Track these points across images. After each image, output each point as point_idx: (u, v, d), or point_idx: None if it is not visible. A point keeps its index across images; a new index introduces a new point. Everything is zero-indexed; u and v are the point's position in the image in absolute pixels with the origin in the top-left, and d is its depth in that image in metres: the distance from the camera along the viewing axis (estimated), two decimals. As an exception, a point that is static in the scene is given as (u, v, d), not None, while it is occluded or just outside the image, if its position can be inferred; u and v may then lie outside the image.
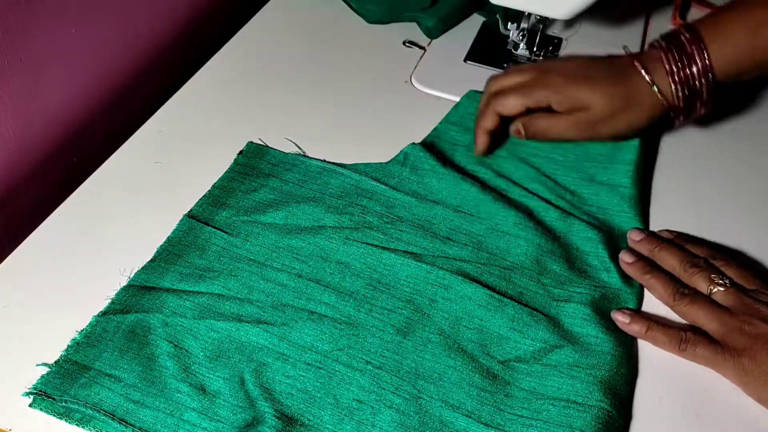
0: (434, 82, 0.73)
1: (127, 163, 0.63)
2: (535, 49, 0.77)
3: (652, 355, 0.52)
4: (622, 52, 0.63)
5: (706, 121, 0.69)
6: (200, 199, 0.59)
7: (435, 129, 0.68)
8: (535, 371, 0.49)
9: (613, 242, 0.58)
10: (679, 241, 0.57)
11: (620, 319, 0.52)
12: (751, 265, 0.58)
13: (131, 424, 0.45)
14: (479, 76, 0.74)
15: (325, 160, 0.64)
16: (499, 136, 0.65)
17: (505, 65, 0.76)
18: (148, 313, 0.51)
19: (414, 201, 0.60)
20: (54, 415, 0.46)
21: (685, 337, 0.51)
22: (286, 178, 0.62)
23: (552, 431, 0.46)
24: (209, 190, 0.60)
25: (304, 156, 0.64)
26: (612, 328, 0.52)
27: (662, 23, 0.84)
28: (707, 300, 0.52)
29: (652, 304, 0.55)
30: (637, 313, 0.53)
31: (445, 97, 0.72)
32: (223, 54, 0.75)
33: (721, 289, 0.52)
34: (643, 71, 0.60)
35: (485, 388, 0.48)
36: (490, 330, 0.52)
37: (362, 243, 0.56)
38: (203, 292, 0.53)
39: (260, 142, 0.65)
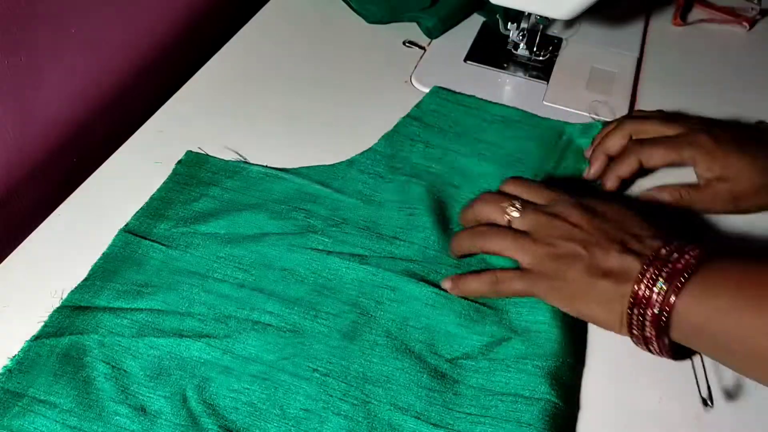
0: (434, 82, 0.73)
1: (127, 163, 0.63)
2: (535, 49, 0.77)
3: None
4: (623, 52, 0.62)
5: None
6: (137, 212, 0.57)
7: (396, 125, 0.67)
8: (482, 367, 0.49)
9: None
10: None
11: (446, 285, 0.53)
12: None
13: None
14: (479, 76, 0.74)
15: (267, 166, 0.62)
16: (463, 132, 0.66)
17: (505, 65, 0.76)
18: (83, 334, 0.49)
19: (359, 203, 0.59)
20: None
21: (496, 278, 0.52)
22: (227, 186, 0.60)
23: (500, 427, 0.46)
24: (147, 202, 0.58)
25: (246, 162, 0.63)
26: (560, 314, 0.52)
27: (662, 23, 0.84)
28: (504, 230, 0.52)
29: None
30: (457, 276, 0.53)
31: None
32: (223, 54, 0.75)
33: (515, 215, 0.53)
34: None
35: (434, 388, 0.48)
36: (437, 328, 0.51)
37: (306, 248, 0.55)
38: (141, 309, 0.51)
39: (200, 151, 0.63)
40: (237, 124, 0.67)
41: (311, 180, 0.61)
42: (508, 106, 0.70)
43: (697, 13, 0.86)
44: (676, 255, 0.46)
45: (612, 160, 0.62)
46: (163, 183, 0.60)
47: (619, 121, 0.64)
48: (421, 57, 0.77)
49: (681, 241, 0.48)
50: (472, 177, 0.62)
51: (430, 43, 0.79)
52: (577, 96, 0.72)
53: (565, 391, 0.48)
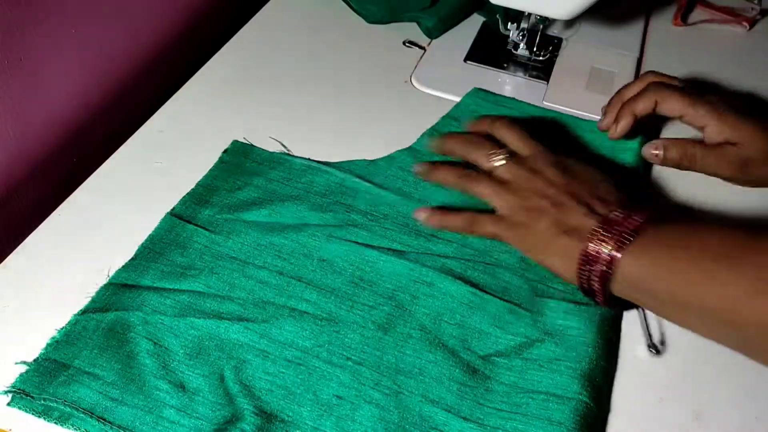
0: (434, 82, 0.73)
1: (127, 163, 0.63)
2: (535, 49, 0.77)
3: (653, 355, 0.52)
4: (623, 52, 0.63)
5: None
6: (183, 197, 0.59)
7: (435, 123, 0.68)
8: (515, 366, 0.50)
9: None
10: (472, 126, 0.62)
11: (419, 216, 0.57)
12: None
13: (110, 422, 0.45)
14: (479, 76, 0.74)
15: (309, 159, 0.64)
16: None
17: (505, 65, 0.76)
18: (128, 311, 0.51)
19: (399, 198, 0.60)
20: (33, 414, 0.46)
21: (473, 219, 0.56)
22: (271, 177, 0.62)
23: (531, 424, 0.46)
24: (193, 189, 0.60)
25: (289, 154, 0.64)
26: (594, 320, 0.52)
27: (662, 23, 0.84)
28: (487, 178, 0.57)
29: None
30: (437, 209, 0.58)
31: (445, 97, 0.72)
32: (223, 54, 0.75)
33: (499, 164, 0.57)
34: None
35: (465, 382, 0.49)
36: (471, 326, 0.52)
37: (345, 240, 0.56)
38: (184, 290, 0.53)
39: (245, 141, 0.65)
40: (237, 124, 0.67)
41: (352, 174, 0.62)
42: (545, 108, 0.70)
43: (697, 13, 0.86)
44: (625, 217, 0.50)
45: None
46: (209, 171, 0.62)
47: (642, 76, 0.65)
48: (421, 57, 0.77)
49: (636, 206, 0.52)
50: None
51: (430, 43, 0.79)
52: (577, 96, 0.72)
53: (596, 392, 0.48)
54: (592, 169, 0.57)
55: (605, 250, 0.49)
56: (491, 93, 0.72)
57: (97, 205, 0.59)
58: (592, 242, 0.50)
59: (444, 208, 0.58)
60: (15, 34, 0.57)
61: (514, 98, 0.71)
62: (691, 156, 0.61)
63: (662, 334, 0.53)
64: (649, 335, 0.52)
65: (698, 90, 0.64)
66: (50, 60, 0.62)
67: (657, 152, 0.63)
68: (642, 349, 0.53)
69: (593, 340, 0.51)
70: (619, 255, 0.49)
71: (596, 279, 0.50)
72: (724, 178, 0.62)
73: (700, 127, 0.62)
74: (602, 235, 0.50)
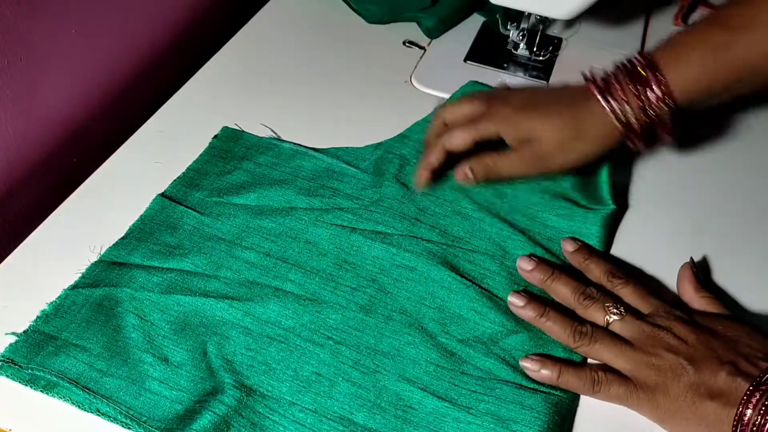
0: (434, 82, 0.73)
1: (127, 163, 0.63)
2: (535, 49, 0.77)
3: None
4: (622, 52, 0.62)
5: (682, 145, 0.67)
6: (174, 180, 0.61)
7: (428, 115, 0.68)
8: (491, 352, 0.51)
9: (580, 225, 0.59)
10: (579, 256, 0.55)
11: (529, 366, 0.49)
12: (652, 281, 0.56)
13: (94, 392, 0.47)
14: (479, 76, 0.74)
15: (298, 144, 0.65)
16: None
17: (505, 65, 0.76)
18: (117, 287, 0.52)
19: (385, 183, 0.61)
20: (20, 382, 0.47)
21: (597, 378, 0.48)
22: (259, 161, 0.63)
23: (503, 406, 0.48)
24: (183, 172, 0.62)
25: (278, 139, 0.65)
26: None
27: (662, 23, 0.84)
28: (607, 335, 0.50)
29: None
30: (548, 357, 0.50)
31: (445, 97, 0.72)
32: (223, 54, 0.75)
33: (617, 318, 0.50)
34: (599, 96, 0.55)
35: (441, 364, 0.50)
36: (451, 310, 0.53)
37: (331, 224, 0.58)
38: (172, 269, 0.54)
39: (236, 127, 0.66)
40: (238, 124, 0.67)
41: (340, 159, 0.63)
42: None
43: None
44: None
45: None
46: (200, 155, 0.63)
47: (434, 112, 0.63)
48: (421, 57, 0.77)
49: None
50: None
51: (430, 43, 0.79)
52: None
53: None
54: (727, 321, 0.50)
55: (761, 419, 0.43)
56: (485, 85, 0.72)
57: (97, 205, 0.59)
58: (746, 407, 0.43)
59: (566, 362, 0.50)
60: (15, 34, 0.57)
61: (508, 88, 0.71)
62: (489, 167, 0.59)
63: None
64: None
65: (487, 94, 0.62)
66: (50, 60, 0.62)
67: (467, 174, 0.59)
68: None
69: None
70: None
71: None
72: (527, 178, 0.60)
73: (497, 137, 0.59)
74: (762, 398, 0.43)
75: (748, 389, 0.44)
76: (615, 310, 0.50)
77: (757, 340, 0.47)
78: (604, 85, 0.56)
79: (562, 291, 0.53)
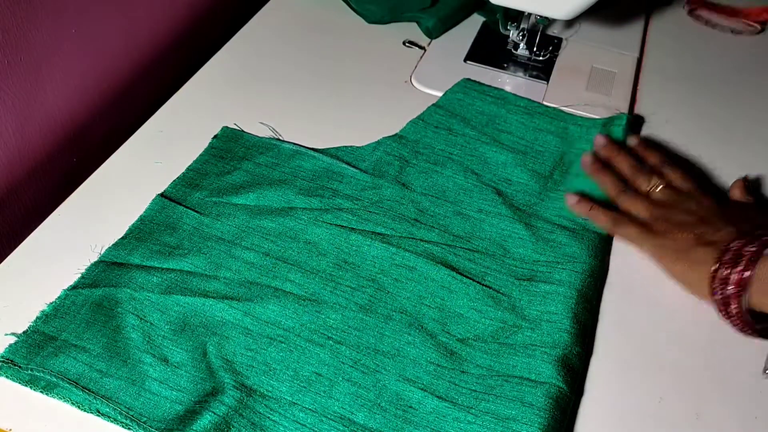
0: (434, 82, 0.73)
1: (127, 163, 0.63)
2: (535, 49, 0.77)
3: (652, 355, 0.52)
4: (623, 52, 0.63)
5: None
6: (174, 180, 0.61)
7: (422, 113, 0.69)
8: (491, 350, 0.51)
9: (579, 219, 0.60)
10: (639, 147, 0.65)
11: (569, 200, 0.60)
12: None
13: (94, 392, 0.47)
14: (479, 76, 0.74)
15: (298, 144, 0.65)
16: (483, 123, 0.68)
17: (505, 65, 0.76)
18: (116, 287, 0.52)
19: (384, 184, 0.61)
20: (20, 383, 0.47)
21: (618, 218, 0.59)
22: (259, 161, 0.63)
23: (503, 405, 0.48)
24: (183, 172, 0.62)
25: (278, 140, 0.65)
26: (573, 304, 0.53)
27: (662, 23, 0.84)
28: (643, 195, 0.60)
29: (617, 281, 0.57)
30: (583, 196, 0.60)
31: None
32: (223, 54, 0.75)
33: (658, 187, 0.60)
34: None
35: (442, 364, 0.50)
36: (450, 309, 0.53)
37: (331, 224, 0.58)
38: (171, 269, 0.54)
39: (236, 127, 0.66)
40: (238, 124, 0.67)
41: (339, 160, 0.63)
42: (532, 100, 0.71)
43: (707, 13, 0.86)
44: (762, 232, 0.52)
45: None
46: (199, 155, 0.63)
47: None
48: (421, 57, 0.77)
49: None
50: (492, 165, 0.64)
51: (430, 43, 0.79)
52: (577, 96, 0.72)
53: (570, 377, 0.49)
54: (748, 206, 0.59)
55: (741, 254, 0.50)
56: (479, 83, 0.72)
57: (97, 205, 0.59)
58: (729, 250, 0.51)
59: (592, 200, 0.60)
60: (15, 34, 0.57)
61: (501, 89, 0.72)
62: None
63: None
64: None
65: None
66: (50, 60, 0.62)
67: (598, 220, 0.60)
68: (641, 350, 0.53)
69: (570, 326, 0.52)
70: (759, 255, 0.49)
71: (733, 284, 0.50)
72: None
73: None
74: (740, 243, 0.51)
75: (735, 239, 0.52)
76: (658, 182, 0.60)
77: (760, 215, 0.57)
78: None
79: (622, 164, 0.63)
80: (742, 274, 0.50)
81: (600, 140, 0.65)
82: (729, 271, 0.51)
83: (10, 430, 0.45)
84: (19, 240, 0.56)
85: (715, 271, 0.52)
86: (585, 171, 0.63)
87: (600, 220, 0.59)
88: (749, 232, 0.52)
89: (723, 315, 0.52)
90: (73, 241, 0.56)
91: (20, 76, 0.59)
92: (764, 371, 0.51)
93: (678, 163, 0.63)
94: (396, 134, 0.67)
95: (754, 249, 0.50)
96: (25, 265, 0.54)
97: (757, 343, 0.53)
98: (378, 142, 0.65)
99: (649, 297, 0.56)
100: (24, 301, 0.52)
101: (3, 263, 0.55)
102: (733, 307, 0.51)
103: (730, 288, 0.51)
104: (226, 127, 0.66)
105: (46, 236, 0.57)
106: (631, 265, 0.58)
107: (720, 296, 0.51)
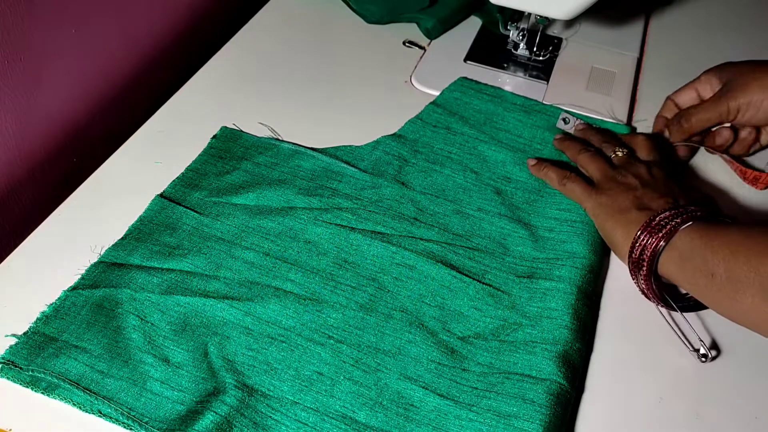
0: (434, 82, 0.73)
1: (127, 163, 0.63)
2: (535, 49, 0.77)
3: (652, 354, 0.52)
4: (623, 52, 0.63)
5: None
6: (173, 181, 0.61)
7: (420, 112, 0.69)
8: (492, 347, 0.51)
9: (580, 216, 0.60)
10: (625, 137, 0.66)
11: (530, 163, 0.64)
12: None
13: (95, 393, 0.47)
14: (479, 76, 0.74)
15: (297, 144, 0.65)
16: (482, 122, 0.69)
17: (505, 65, 0.76)
18: (117, 288, 0.52)
19: (383, 183, 0.61)
20: (21, 384, 0.47)
21: (567, 176, 0.61)
22: (258, 161, 0.63)
23: (505, 402, 0.48)
24: (182, 172, 0.62)
25: (277, 140, 0.65)
26: (573, 301, 0.53)
27: (662, 23, 0.84)
28: (602, 157, 0.62)
29: (615, 279, 0.57)
30: (542, 159, 0.63)
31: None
32: (223, 54, 0.75)
33: (620, 154, 0.61)
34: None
35: (443, 362, 0.50)
36: (451, 308, 0.53)
37: (331, 224, 0.58)
38: (171, 269, 0.54)
39: (235, 127, 0.66)
40: (237, 124, 0.67)
41: (339, 159, 0.63)
42: (528, 98, 0.71)
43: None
44: (696, 209, 0.53)
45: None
46: (198, 156, 0.63)
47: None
48: (421, 57, 0.77)
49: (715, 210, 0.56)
50: (490, 163, 0.64)
51: (430, 43, 0.79)
52: (577, 96, 0.72)
53: (571, 373, 0.50)
54: (691, 188, 0.62)
55: (665, 223, 0.52)
56: (475, 81, 0.72)
57: (97, 205, 0.59)
58: (657, 217, 0.53)
59: (554, 162, 0.63)
60: (15, 34, 0.57)
61: (498, 87, 0.72)
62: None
63: (712, 339, 0.53)
64: (700, 342, 0.52)
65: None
66: (50, 60, 0.62)
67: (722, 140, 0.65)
68: (641, 349, 0.53)
69: (570, 322, 0.52)
70: (678, 227, 0.52)
71: (648, 249, 0.52)
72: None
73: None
74: (669, 213, 0.53)
75: (665, 209, 0.54)
76: (620, 151, 0.62)
77: (701, 196, 0.62)
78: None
79: (593, 137, 0.65)
80: (658, 243, 0.52)
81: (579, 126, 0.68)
82: (648, 238, 0.53)
83: (10, 430, 0.45)
84: (19, 240, 0.56)
85: (638, 236, 0.53)
86: (555, 145, 0.66)
87: (550, 178, 0.62)
88: (683, 206, 0.54)
89: (634, 278, 0.55)
90: (73, 242, 0.56)
91: (20, 76, 0.59)
92: (699, 356, 0.51)
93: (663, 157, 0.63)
94: (395, 133, 0.67)
95: (677, 221, 0.52)
96: (24, 266, 0.54)
97: (757, 343, 0.53)
98: (377, 142, 0.66)
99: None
100: (23, 301, 0.52)
101: (3, 263, 0.54)
102: (642, 273, 0.53)
103: (645, 253, 0.53)
104: (225, 127, 0.66)
105: (45, 236, 0.57)
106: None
107: (634, 259, 0.54)
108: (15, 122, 0.60)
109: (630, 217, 0.55)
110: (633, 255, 0.54)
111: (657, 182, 0.58)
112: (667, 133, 0.67)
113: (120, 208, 0.59)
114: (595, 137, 0.65)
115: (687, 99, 0.67)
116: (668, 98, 0.68)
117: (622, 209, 0.56)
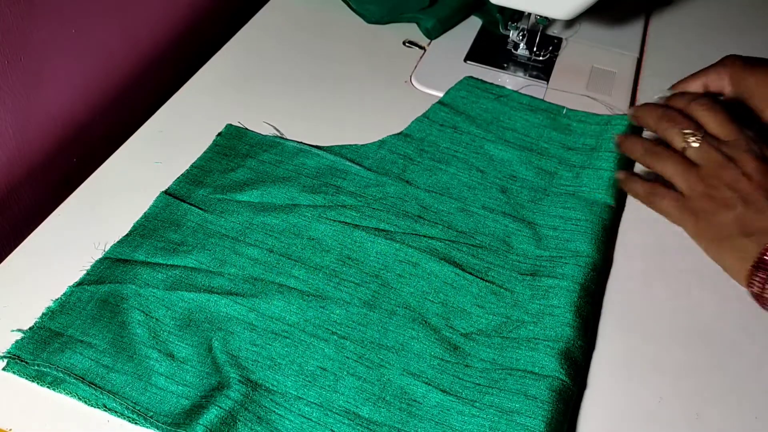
0: (434, 82, 0.73)
1: (127, 163, 0.63)
2: (535, 49, 0.77)
3: (653, 354, 0.52)
4: (623, 52, 0.63)
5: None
6: (178, 178, 0.61)
7: (426, 111, 0.69)
8: (495, 344, 0.51)
9: (585, 214, 0.60)
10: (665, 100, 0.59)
11: (619, 176, 0.58)
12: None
13: (101, 387, 0.47)
14: (479, 76, 0.74)
15: (302, 142, 0.65)
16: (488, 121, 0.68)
17: (505, 65, 0.76)
18: (122, 283, 0.53)
19: (387, 181, 0.62)
20: (26, 378, 0.47)
21: (654, 190, 0.54)
22: (263, 159, 0.63)
23: (507, 398, 0.48)
24: (187, 170, 0.62)
25: (282, 138, 0.65)
26: (575, 298, 0.53)
27: (662, 23, 0.84)
28: (677, 157, 0.54)
29: (620, 275, 0.57)
30: (631, 173, 0.57)
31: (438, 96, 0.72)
32: (223, 54, 0.75)
33: (694, 144, 0.53)
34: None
35: (446, 358, 0.50)
36: (453, 305, 0.54)
37: (334, 221, 0.58)
38: (176, 265, 0.55)
39: (239, 125, 0.66)
40: (240, 122, 0.67)
41: (343, 157, 0.63)
42: (534, 97, 0.71)
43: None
44: None
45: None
46: (203, 153, 0.64)
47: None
48: (421, 57, 0.77)
49: None
50: (496, 162, 0.65)
51: (430, 43, 0.79)
52: (577, 96, 0.72)
53: (573, 370, 0.50)
54: None
55: None
56: (482, 81, 0.73)
57: (97, 205, 0.59)
58: None
59: (636, 175, 0.58)
60: (15, 34, 0.57)
61: (503, 86, 0.72)
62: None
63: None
64: None
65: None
66: (50, 60, 0.62)
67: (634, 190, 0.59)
68: (642, 348, 0.53)
69: (572, 319, 0.52)
70: None
71: None
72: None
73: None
74: None
75: None
76: (693, 138, 0.53)
77: None
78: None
79: (647, 119, 0.57)
80: None
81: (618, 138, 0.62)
82: (764, 277, 0.48)
83: (10, 430, 0.45)
84: (19, 240, 0.56)
85: (755, 268, 0.49)
86: (619, 150, 0.61)
87: (634, 190, 0.56)
88: None
89: (758, 302, 0.51)
90: (73, 242, 0.56)
91: (20, 76, 0.59)
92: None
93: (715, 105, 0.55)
94: (401, 132, 0.67)
95: None
96: (24, 266, 0.54)
97: (758, 343, 0.53)
98: (382, 141, 0.66)
99: (652, 292, 0.56)
100: (23, 302, 0.52)
101: (3, 263, 0.54)
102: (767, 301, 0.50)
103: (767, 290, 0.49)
104: (230, 124, 0.66)
105: (45, 237, 0.57)
106: (635, 259, 0.58)
107: (757, 290, 0.50)
108: (15, 122, 0.60)
109: (738, 245, 0.50)
110: (753, 287, 0.50)
111: (757, 185, 0.50)
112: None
113: (120, 208, 0.59)
114: (649, 117, 0.57)
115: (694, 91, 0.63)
116: (673, 89, 0.64)
117: (724, 236, 0.51)
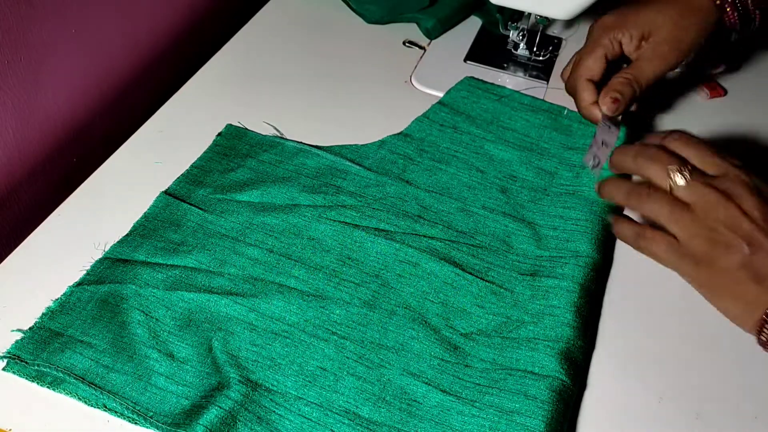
0: (434, 82, 0.73)
1: (127, 163, 0.63)
2: (535, 49, 0.77)
3: (652, 354, 0.52)
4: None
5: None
6: (178, 178, 0.61)
7: (427, 111, 0.69)
8: (495, 344, 0.51)
9: (585, 214, 0.59)
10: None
11: (611, 221, 0.54)
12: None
13: (101, 387, 0.47)
14: (479, 76, 0.74)
15: (301, 142, 0.65)
16: (489, 120, 0.68)
17: (505, 65, 0.76)
18: (122, 283, 0.53)
19: (387, 181, 0.62)
20: (26, 378, 0.47)
21: (643, 233, 0.49)
22: (263, 159, 0.63)
23: (507, 398, 0.48)
24: (187, 170, 0.62)
25: (282, 138, 0.65)
26: (575, 298, 0.53)
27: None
28: (664, 196, 0.48)
29: (620, 275, 0.57)
30: (622, 216, 0.54)
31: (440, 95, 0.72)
32: (223, 54, 0.75)
33: (681, 183, 0.47)
34: None
35: (446, 358, 0.50)
36: (453, 305, 0.54)
37: (334, 221, 0.58)
38: (176, 265, 0.55)
39: (239, 125, 0.66)
40: (240, 122, 0.67)
41: (343, 157, 0.63)
42: (535, 97, 0.71)
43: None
44: None
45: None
46: (203, 153, 0.64)
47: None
48: (421, 57, 0.77)
49: None
50: (496, 162, 0.65)
51: (430, 43, 0.79)
52: (577, 96, 0.72)
53: (573, 370, 0.50)
54: None
55: None
56: (482, 81, 0.73)
57: (97, 205, 0.59)
58: None
59: (626, 217, 0.55)
60: (15, 34, 0.57)
61: (504, 87, 0.72)
62: (630, 80, 0.58)
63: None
64: None
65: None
66: (50, 60, 0.62)
67: (615, 96, 0.58)
68: (642, 348, 0.53)
69: (572, 319, 0.52)
70: None
71: None
72: (670, 71, 0.60)
73: (621, 49, 0.61)
74: None
75: None
76: (679, 174, 0.47)
77: None
78: None
79: (625, 159, 0.52)
80: None
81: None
82: None
83: (10, 430, 0.45)
84: (19, 240, 0.56)
85: (764, 323, 0.45)
86: (600, 196, 0.57)
87: (621, 233, 0.51)
88: None
89: (765, 349, 0.48)
90: (73, 242, 0.56)
91: (20, 76, 0.59)
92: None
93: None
94: (401, 132, 0.67)
95: None
96: (24, 266, 0.54)
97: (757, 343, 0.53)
98: (383, 141, 0.66)
99: (653, 292, 0.56)
100: (23, 302, 0.52)
101: (3, 263, 0.54)
102: None
103: None
104: (230, 124, 0.66)
105: (45, 237, 0.57)
106: (635, 259, 0.58)
107: (764, 342, 0.47)
108: (15, 122, 0.60)
109: (747, 294, 0.46)
110: (763, 336, 0.46)
111: (759, 228, 0.45)
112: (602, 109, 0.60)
113: (120, 208, 0.59)
114: (626, 157, 0.52)
115: (598, 67, 0.61)
116: (583, 79, 0.61)
117: (730, 283, 0.46)
